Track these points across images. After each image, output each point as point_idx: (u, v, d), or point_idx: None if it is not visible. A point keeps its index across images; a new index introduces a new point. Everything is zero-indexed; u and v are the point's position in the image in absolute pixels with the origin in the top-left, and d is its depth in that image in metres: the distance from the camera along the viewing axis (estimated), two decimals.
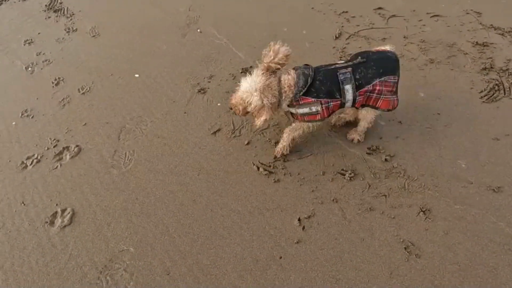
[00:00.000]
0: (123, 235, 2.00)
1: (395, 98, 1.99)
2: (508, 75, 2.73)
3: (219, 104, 2.65)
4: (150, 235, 1.99)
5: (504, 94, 2.61)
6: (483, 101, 2.56)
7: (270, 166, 2.24)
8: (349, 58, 2.02)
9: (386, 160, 2.22)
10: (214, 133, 2.47)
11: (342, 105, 1.97)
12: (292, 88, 1.90)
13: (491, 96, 2.59)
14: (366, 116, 2.13)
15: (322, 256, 1.84)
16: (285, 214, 2.02)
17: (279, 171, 2.21)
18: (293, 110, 2.00)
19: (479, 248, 1.83)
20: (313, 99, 1.90)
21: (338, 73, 1.89)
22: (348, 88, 1.89)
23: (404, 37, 3.13)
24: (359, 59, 1.92)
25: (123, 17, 3.69)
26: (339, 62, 1.99)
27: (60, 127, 2.61)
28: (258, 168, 2.22)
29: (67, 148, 2.47)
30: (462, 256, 1.81)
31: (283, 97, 1.91)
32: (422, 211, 1.98)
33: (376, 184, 2.11)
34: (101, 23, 3.63)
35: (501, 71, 2.76)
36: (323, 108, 1.93)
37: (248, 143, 2.38)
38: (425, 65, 2.86)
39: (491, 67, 2.79)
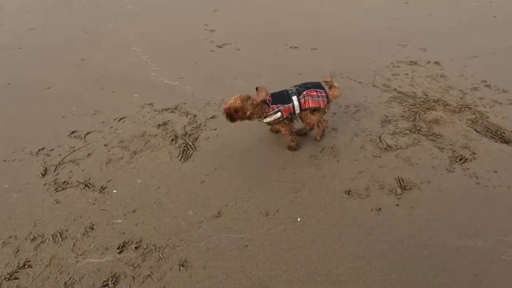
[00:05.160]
0: None
1: None
2: (188, 136, 3.69)
3: None
4: None
5: (193, 150, 3.51)
6: (182, 162, 3.35)
7: None
8: None
9: (136, 248, 2.51)
10: None
11: None
12: None
13: (185, 156, 3.43)
14: None
15: None
16: None
17: None
18: None
19: (228, 259, 2.39)
20: None
21: None
22: None
23: (105, 145, 3.61)
24: None
25: None
26: None
27: None
28: None
29: None
30: (221, 275, 2.31)
31: None
32: (181, 265, 2.38)
33: (138, 271, 2.34)
34: None
35: (183, 135, 3.70)
36: None
37: None
38: (131, 157, 3.41)
39: (176, 137, 3.69)
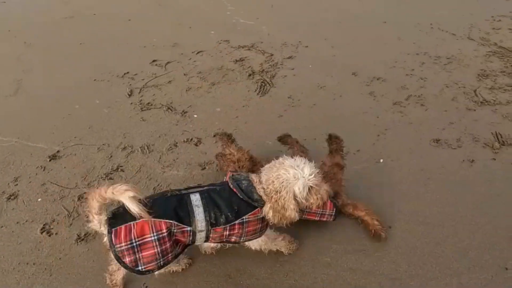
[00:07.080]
0: None
1: None
2: (265, 73, 3.63)
3: (39, 200, 2.41)
4: None
5: (271, 86, 3.46)
6: (260, 96, 3.32)
7: None
8: None
9: (218, 170, 2.58)
10: (49, 231, 2.21)
11: None
12: None
13: (263, 91, 3.39)
14: None
15: None
16: None
17: None
18: None
19: None
20: None
21: None
22: None
23: (185, 74, 3.69)
24: None
25: None
26: None
27: None
28: None
29: None
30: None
31: None
32: None
33: None
34: None
35: (260, 72, 3.65)
36: None
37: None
38: (210, 88, 3.46)
39: (253, 72, 3.65)
